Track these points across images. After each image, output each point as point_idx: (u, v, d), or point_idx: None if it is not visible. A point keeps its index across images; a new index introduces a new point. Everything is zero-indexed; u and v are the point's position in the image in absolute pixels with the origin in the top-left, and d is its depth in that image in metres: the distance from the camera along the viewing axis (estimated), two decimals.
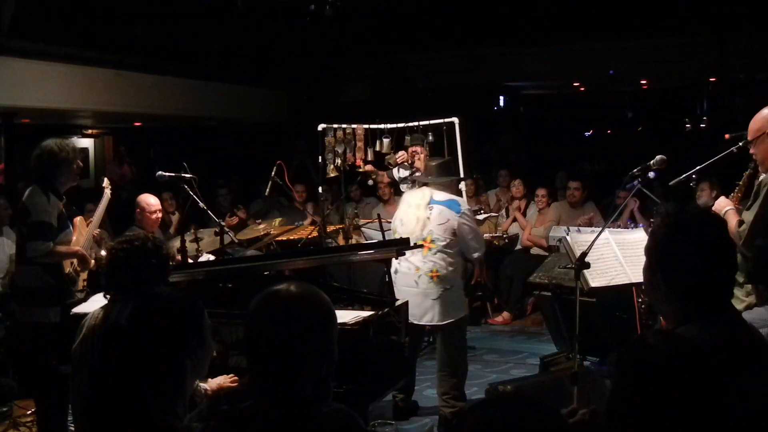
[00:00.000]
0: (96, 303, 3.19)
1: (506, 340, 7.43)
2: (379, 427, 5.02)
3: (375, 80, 13.22)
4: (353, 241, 6.60)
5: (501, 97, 15.29)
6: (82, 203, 7.50)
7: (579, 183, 8.27)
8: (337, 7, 10.01)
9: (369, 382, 3.52)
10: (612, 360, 5.22)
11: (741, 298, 3.74)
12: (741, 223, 3.74)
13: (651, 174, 4.11)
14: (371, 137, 6.38)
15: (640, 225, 6.72)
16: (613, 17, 11.27)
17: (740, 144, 3.86)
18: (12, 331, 5.46)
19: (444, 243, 4.90)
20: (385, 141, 6.32)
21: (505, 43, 12.31)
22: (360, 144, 6.37)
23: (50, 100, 9.13)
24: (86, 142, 13.24)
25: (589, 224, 7.58)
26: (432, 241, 4.90)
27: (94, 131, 13.48)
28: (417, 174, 5.55)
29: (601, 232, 4.25)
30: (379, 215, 6.06)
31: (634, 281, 4.72)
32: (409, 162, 6.20)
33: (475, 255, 5.16)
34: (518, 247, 8.52)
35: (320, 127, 6.39)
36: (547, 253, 7.41)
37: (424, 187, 5.07)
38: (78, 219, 4.91)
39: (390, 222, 5.82)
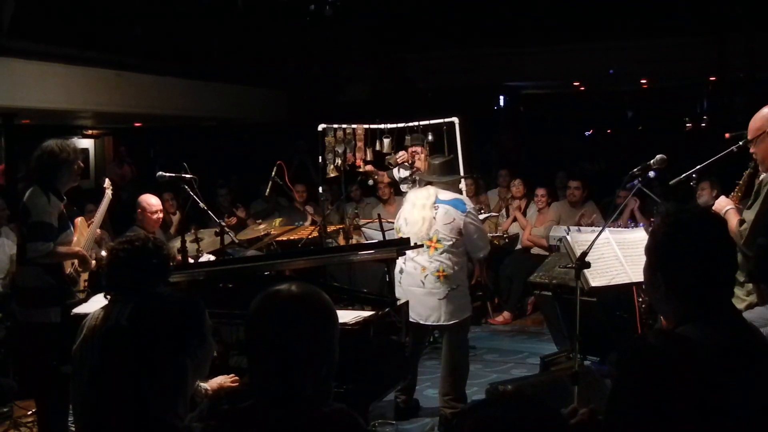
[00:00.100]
0: (96, 303, 3.20)
1: (507, 340, 7.43)
2: (380, 427, 5.05)
3: (375, 80, 13.22)
4: (353, 241, 6.60)
5: (501, 97, 15.29)
6: (82, 204, 7.50)
7: (579, 182, 8.27)
8: (337, 7, 10.02)
9: (369, 382, 3.52)
10: (612, 359, 5.22)
11: (742, 297, 3.74)
12: (742, 222, 3.74)
13: (651, 173, 4.11)
14: (371, 137, 6.38)
15: (641, 224, 6.72)
16: (613, 17, 11.28)
17: (740, 143, 3.85)
18: (12, 331, 5.46)
19: (450, 243, 4.90)
20: (386, 141, 6.31)
21: (505, 43, 12.30)
22: (360, 144, 6.37)
23: (50, 101, 9.13)
24: (86, 143, 13.24)
25: (589, 222, 7.59)
26: (438, 241, 4.90)
27: (95, 132, 13.49)
28: (419, 173, 5.54)
29: (601, 232, 4.25)
30: (379, 215, 6.06)
31: (634, 281, 4.72)
32: (410, 162, 6.20)
33: (480, 254, 5.16)
34: (518, 246, 8.52)
35: (320, 127, 6.38)
36: (547, 253, 7.41)
37: (429, 186, 5.05)
38: (79, 219, 4.92)
39: (390, 222, 5.83)
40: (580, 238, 4.96)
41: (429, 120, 6.26)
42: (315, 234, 6.70)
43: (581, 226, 7.31)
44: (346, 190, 7.06)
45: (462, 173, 6.00)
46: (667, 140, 12.86)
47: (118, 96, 9.87)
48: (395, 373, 3.91)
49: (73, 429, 4.08)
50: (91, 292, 4.51)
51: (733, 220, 3.74)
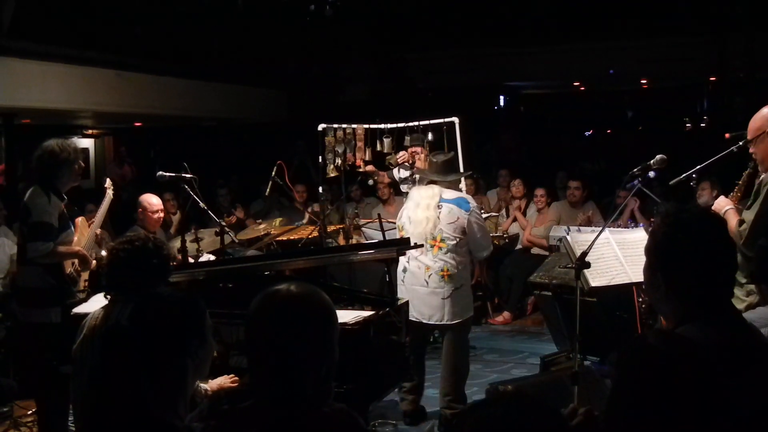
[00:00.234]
0: (96, 303, 3.20)
1: (507, 340, 7.43)
2: (380, 427, 5.05)
3: (375, 80, 13.22)
4: (354, 241, 6.60)
5: (501, 97, 15.30)
6: (82, 204, 7.51)
7: (579, 183, 8.27)
8: (337, 7, 10.02)
9: (369, 382, 3.52)
10: (612, 359, 5.22)
11: (741, 298, 3.74)
12: (741, 222, 3.74)
13: (651, 173, 4.11)
14: (371, 137, 6.38)
15: (641, 224, 6.72)
16: (613, 17, 11.28)
17: (740, 143, 3.85)
18: (13, 331, 5.46)
19: (454, 242, 4.90)
20: (386, 141, 6.31)
21: (505, 43, 12.31)
22: (360, 144, 6.37)
23: (50, 101, 9.13)
24: (87, 143, 13.25)
25: (589, 222, 7.59)
26: (442, 240, 4.89)
27: (95, 131, 13.49)
28: (421, 171, 5.52)
29: (601, 232, 4.25)
30: (379, 215, 6.06)
31: (634, 281, 4.72)
32: (410, 162, 6.20)
33: (483, 254, 5.11)
34: (518, 246, 8.53)
35: (320, 127, 6.39)
36: (547, 253, 7.41)
37: (433, 185, 5.03)
38: (79, 219, 4.92)
39: (390, 222, 5.83)
40: (580, 238, 4.96)
41: (429, 120, 6.25)
42: (315, 234, 6.70)
43: (581, 226, 7.32)
44: (346, 190, 7.06)
45: (462, 171, 6.00)
46: (667, 140, 12.87)
47: (118, 96, 9.88)
48: (395, 373, 3.91)
49: (73, 429, 4.09)
50: (91, 292, 4.51)
51: (732, 221, 3.74)
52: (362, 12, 11.40)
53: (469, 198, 5.20)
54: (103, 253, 4.28)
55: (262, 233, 7.07)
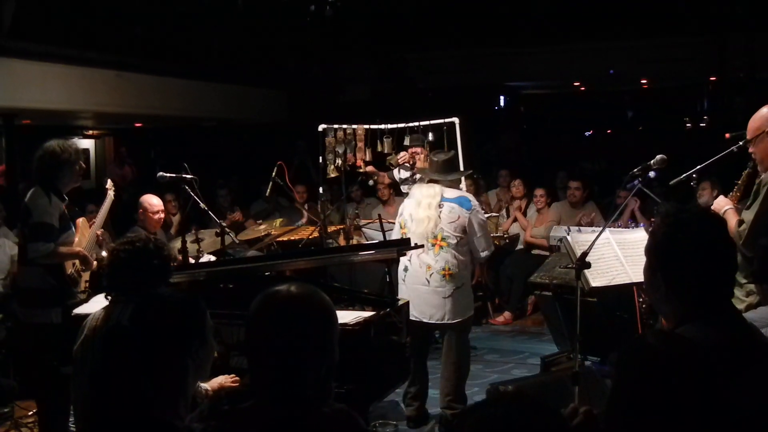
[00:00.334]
0: (97, 304, 3.20)
1: (507, 340, 7.43)
2: (380, 428, 5.05)
3: (375, 80, 13.22)
4: (354, 242, 6.61)
5: (501, 97, 15.31)
6: (83, 204, 7.51)
7: (579, 183, 8.27)
8: (337, 7, 10.02)
9: (370, 382, 3.53)
10: (613, 360, 5.22)
11: (741, 298, 3.74)
12: (741, 222, 3.74)
13: (651, 173, 4.12)
14: (372, 138, 6.38)
15: (641, 224, 6.73)
16: (613, 17, 11.28)
17: (741, 143, 3.86)
18: (13, 331, 5.47)
19: (455, 241, 4.90)
20: (386, 141, 6.32)
21: (505, 43, 12.31)
22: (360, 144, 6.38)
23: (51, 101, 9.14)
24: (87, 143, 13.25)
25: (590, 223, 7.59)
26: (443, 239, 4.90)
27: (95, 132, 13.49)
28: (422, 170, 5.51)
29: (601, 232, 4.25)
30: (380, 215, 6.07)
31: (634, 281, 4.72)
32: (410, 163, 6.20)
33: (484, 253, 5.05)
34: (519, 246, 8.53)
35: (321, 127, 6.39)
36: (547, 253, 7.41)
37: (434, 184, 5.02)
38: (80, 220, 4.92)
39: (390, 222, 5.83)
40: (580, 239, 4.96)
41: (429, 120, 6.26)
42: (315, 234, 6.70)
43: (581, 226, 7.32)
44: (346, 191, 7.06)
45: (463, 170, 6.00)
46: (668, 140, 12.87)
47: (118, 96, 9.88)
48: (395, 373, 3.92)
49: (74, 429, 4.09)
50: (92, 293, 4.51)
51: (731, 221, 3.74)
52: (362, 12, 11.40)
53: (471, 197, 5.19)
54: (104, 253, 4.28)
55: (263, 234, 7.07)
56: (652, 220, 2.36)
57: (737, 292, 3.68)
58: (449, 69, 12.97)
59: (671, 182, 4.30)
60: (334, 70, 13.01)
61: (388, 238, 5.46)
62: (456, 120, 6.24)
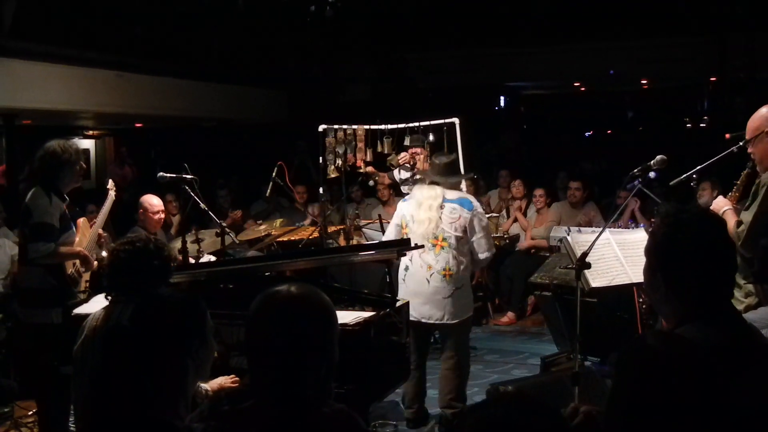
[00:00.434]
0: (97, 304, 3.21)
1: (507, 341, 7.44)
2: (380, 428, 5.05)
3: (375, 80, 13.22)
4: (354, 242, 6.61)
5: (501, 97, 15.31)
6: (83, 204, 7.51)
7: (580, 183, 8.28)
8: (337, 8, 10.01)
9: (370, 382, 3.53)
10: (612, 360, 5.22)
11: (740, 299, 3.74)
12: (739, 223, 3.73)
13: (651, 174, 4.11)
14: (372, 138, 6.38)
15: (641, 225, 6.73)
16: (613, 17, 11.27)
17: (741, 144, 3.86)
18: (14, 331, 5.47)
19: (456, 242, 4.90)
20: (386, 142, 6.32)
21: (505, 43, 12.31)
22: (360, 145, 6.37)
23: (51, 102, 9.13)
24: (87, 143, 13.24)
25: (589, 223, 7.60)
26: (444, 240, 4.90)
27: (95, 132, 13.49)
28: (423, 173, 5.51)
29: (601, 232, 4.25)
30: (380, 216, 6.07)
31: (634, 281, 4.72)
32: (411, 163, 6.20)
33: (484, 255, 5.00)
34: (519, 247, 8.53)
35: (321, 127, 6.39)
36: (548, 253, 7.41)
37: (436, 186, 5.00)
38: (81, 220, 4.92)
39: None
40: (580, 239, 4.95)
41: (429, 120, 6.26)
42: (315, 235, 6.71)
43: (581, 227, 7.32)
44: (346, 191, 7.06)
45: (463, 172, 6.00)
46: (668, 140, 12.88)
47: (118, 96, 9.88)
48: (395, 373, 3.92)
49: (74, 429, 4.09)
50: (92, 293, 4.51)
51: (730, 221, 3.73)
52: (362, 12, 11.39)
53: (473, 198, 5.18)
54: (104, 254, 4.28)
55: (263, 234, 7.08)
56: (652, 220, 2.36)
57: (736, 293, 3.68)
58: (449, 69, 12.96)
59: (671, 182, 4.30)
60: (334, 70, 13.01)
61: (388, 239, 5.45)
62: (456, 120, 6.24)
